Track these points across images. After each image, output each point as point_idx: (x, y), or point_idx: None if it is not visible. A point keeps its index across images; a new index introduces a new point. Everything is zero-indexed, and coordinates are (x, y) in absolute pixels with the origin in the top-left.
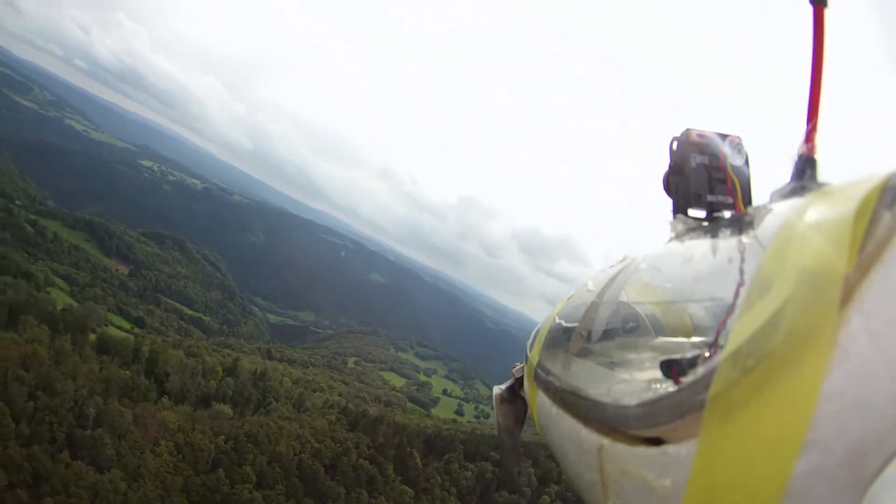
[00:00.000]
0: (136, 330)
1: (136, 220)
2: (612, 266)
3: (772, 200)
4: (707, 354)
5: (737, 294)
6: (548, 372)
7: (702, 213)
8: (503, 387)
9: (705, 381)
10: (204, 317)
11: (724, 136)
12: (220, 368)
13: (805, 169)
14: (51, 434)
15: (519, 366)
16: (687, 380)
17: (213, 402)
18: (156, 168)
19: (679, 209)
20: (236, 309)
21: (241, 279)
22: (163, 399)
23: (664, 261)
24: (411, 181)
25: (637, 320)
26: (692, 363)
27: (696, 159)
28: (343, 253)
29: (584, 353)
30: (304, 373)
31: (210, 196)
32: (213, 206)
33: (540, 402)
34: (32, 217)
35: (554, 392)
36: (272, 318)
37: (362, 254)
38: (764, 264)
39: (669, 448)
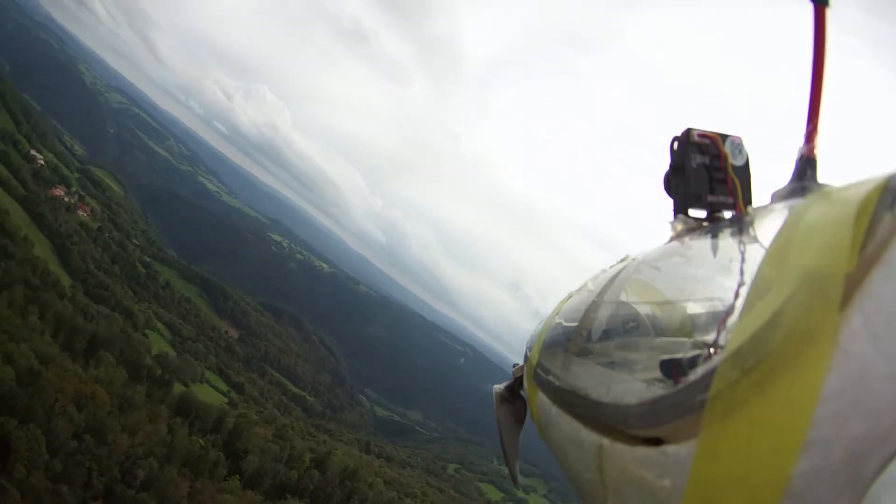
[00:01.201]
0: (233, 394)
1: (255, 289)
2: (612, 266)
3: (772, 201)
4: (707, 354)
5: (737, 294)
6: (548, 372)
7: (702, 214)
8: (503, 386)
9: (705, 381)
10: (308, 396)
11: (724, 137)
12: (307, 457)
13: (805, 169)
14: (87, 479)
15: (519, 365)
16: (687, 380)
17: (289, 496)
18: (285, 244)
19: (679, 209)
20: (343, 396)
21: (354, 368)
22: (232, 478)
23: (664, 261)
24: (540, 297)
25: (637, 320)
26: (692, 363)
27: (696, 159)
28: (462, 360)
29: (584, 353)
30: (399, 473)
31: (336, 281)
32: (338, 291)
33: (540, 402)
34: (147, 259)
35: (554, 392)
36: (379, 411)
37: (481, 362)
38: (764, 264)
39: (669, 448)
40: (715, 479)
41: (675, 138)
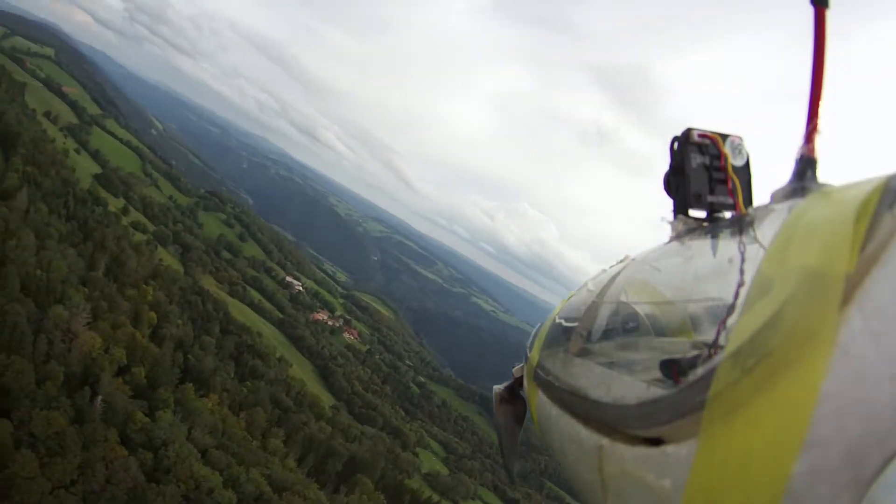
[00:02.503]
0: None
1: None
2: (612, 266)
3: (772, 201)
4: (707, 354)
5: (737, 294)
6: (547, 372)
7: (702, 214)
8: (503, 387)
9: (705, 381)
10: None
11: (724, 136)
12: None
13: (805, 170)
14: None
15: (519, 366)
16: (687, 380)
17: None
18: None
19: (679, 209)
20: None
21: None
22: None
23: (664, 261)
24: None
25: (637, 320)
26: (692, 363)
27: (696, 159)
28: None
29: (584, 353)
30: None
31: None
32: None
33: (539, 402)
34: (421, 379)
35: (554, 392)
36: None
37: None
38: (764, 264)
39: (669, 448)
40: (715, 479)
41: (675, 138)
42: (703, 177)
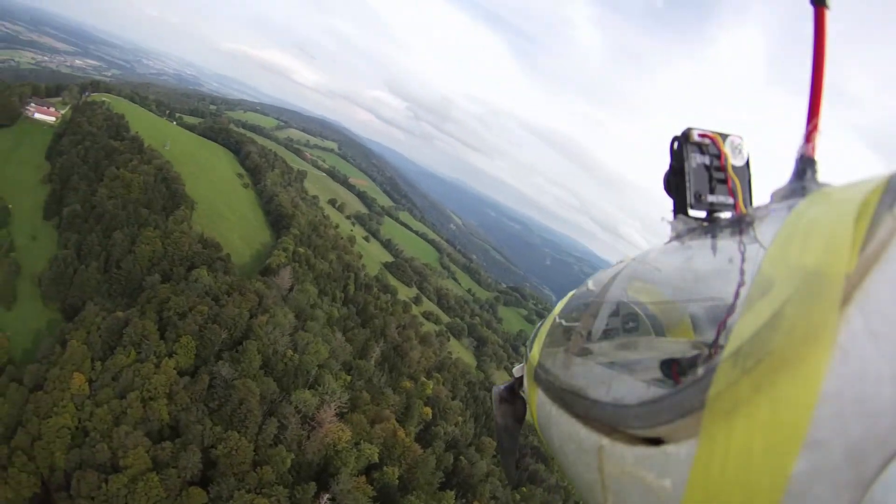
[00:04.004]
0: None
1: None
2: (612, 266)
3: (772, 201)
4: (707, 354)
5: (737, 294)
6: (548, 371)
7: (702, 214)
8: (503, 386)
9: (705, 381)
10: None
11: (724, 136)
12: None
13: (805, 169)
14: None
15: (519, 365)
16: (687, 380)
17: None
18: None
19: (679, 209)
20: None
21: None
22: None
23: (664, 261)
24: None
25: (637, 320)
26: (692, 363)
27: (696, 159)
28: None
29: (584, 353)
30: None
31: None
32: None
33: (539, 402)
34: None
35: (554, 391)
36: None
37: None
38: (764, 264)
39: (669, 448)
40: (715, 478)
41: (675, 138)
42: (703, 177)
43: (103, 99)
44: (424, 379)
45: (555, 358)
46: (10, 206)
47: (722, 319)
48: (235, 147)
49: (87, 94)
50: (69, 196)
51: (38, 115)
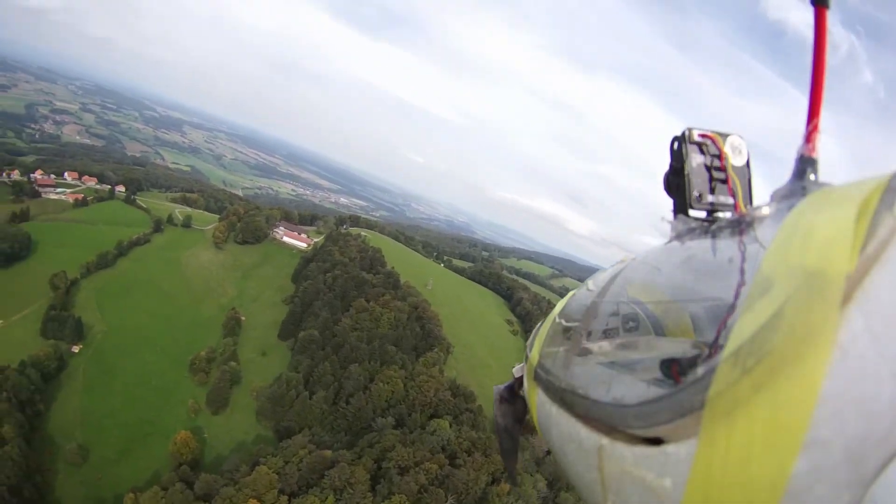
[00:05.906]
0: None
1: None
2: (612, 266)
3: (772, 201)
4: (707, 354)
5: (737, 294)
6: (548, 371)
7: (702, 214)
8: (503, 386)
9: (705, 381)
10: None
11: (724, 136)
12: None
13: (805, 169)
14: None
15: (519, 365)
16: (687, 380)
17: None
18: None
19: (679, 209)
20: None
21: None
22: None
23: (664, 261)
24: None
25: (637, 320)
26: (692, 363)
27: (696, 159)
28: None
29: (585, 353)
30: None
31: None
32: None
33: (540, 402)
34: None
35: (554, 391)
36: None
37: None
38: (764, 264)
39: (669, 448)
40: (715, 478)
41: (676, 138)
42: (703, 176)
43: (361, 233)
44: None
45: (555, 358)
46: (243, 318)
47: (722, 319)
48: (507, 293)
49: (345, 226)
50: (308, 320)
51: (286, 239)
